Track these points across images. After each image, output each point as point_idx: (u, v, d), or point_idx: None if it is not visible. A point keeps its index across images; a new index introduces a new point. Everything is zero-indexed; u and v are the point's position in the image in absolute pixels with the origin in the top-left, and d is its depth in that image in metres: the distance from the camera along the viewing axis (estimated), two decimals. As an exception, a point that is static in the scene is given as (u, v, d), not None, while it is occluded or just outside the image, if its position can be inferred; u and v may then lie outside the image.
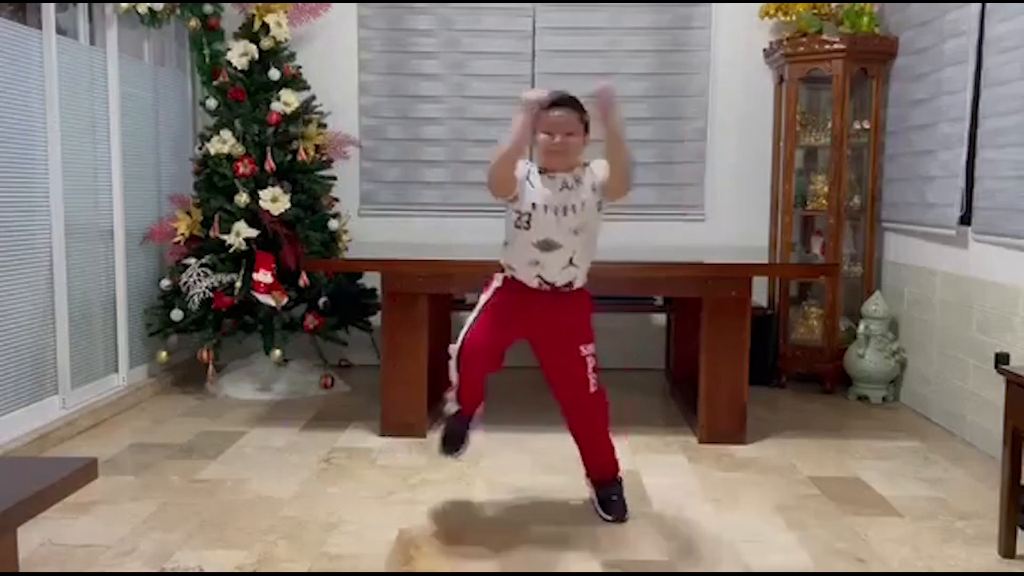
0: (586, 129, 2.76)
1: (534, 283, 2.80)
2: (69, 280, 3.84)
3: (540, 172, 2.77)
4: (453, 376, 2.88)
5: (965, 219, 3.90)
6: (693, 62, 5.22)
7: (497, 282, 2.88)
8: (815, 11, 4.80)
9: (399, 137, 5.31)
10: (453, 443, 2.91)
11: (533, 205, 2.73)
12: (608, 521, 2.92)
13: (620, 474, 3.03)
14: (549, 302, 2.82)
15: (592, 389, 2.90)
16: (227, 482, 3.27)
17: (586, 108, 2.75)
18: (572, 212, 2.74)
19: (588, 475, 3.04)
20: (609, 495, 2.97)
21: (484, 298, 2.88)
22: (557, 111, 2.71)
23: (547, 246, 2.74)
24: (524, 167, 2.77)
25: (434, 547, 2.72)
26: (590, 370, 2.89)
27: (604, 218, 2.86)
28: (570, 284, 2.82)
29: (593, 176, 2.78)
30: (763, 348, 4.75)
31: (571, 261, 2.78)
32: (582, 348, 2.88)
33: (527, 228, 2.74)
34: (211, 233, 4.45)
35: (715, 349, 3.77)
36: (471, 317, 2.86)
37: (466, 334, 2.83)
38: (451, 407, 2.94)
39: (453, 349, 2.85)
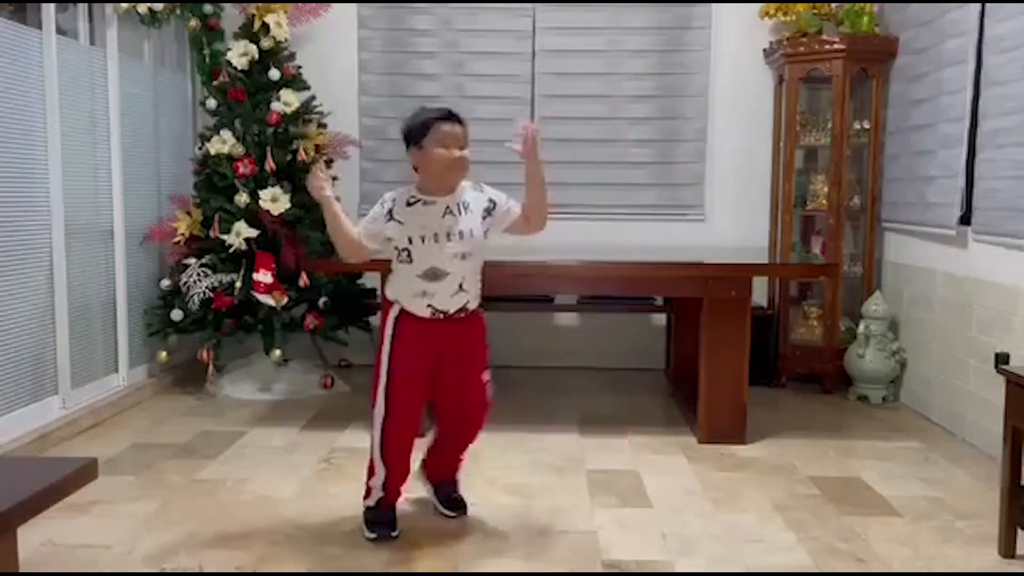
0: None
1: (426, 312, 2.66)
2: (69, 280, 3.84)
3: (412, 202, 2.63)
4: (378, 465, 2.74)
5: (965, 219, 3.90)
6: (693, 62, 5.22)
7: (389, 328, 2.69)
8: (815, 11, 4.80)
9: (399, 137, 5.30)
10: (384, 528, 2.76)
11: (409, 239, 2.61)
12: (452, 517, 2.92)
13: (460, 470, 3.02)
14: (446, 332, 2.69)
15: (486, 412, 2.86)
16: (227, 482, 3.28)
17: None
18: (458, 239, 2.62)
19: (428, 476, 2.99)
20: (451, 493, 2.97)
21: (384, 354, 2.69)
22: (448, 124, 2.59)
23: (433, 275, 2.62)
24: (381, 210, 2.65)
25: (434, 547, 2.72)
26: (488, 394, 2.84)
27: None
28: (463, 309, 2.70)
29: (487, 203, 2.69)
30: (763, 348, 4.75)
31: (460, 287, 2.65)
32: (484, 376, 2.82)
33: (408, 262, 2.63)
34: (211, 233, 4.45)
35: (715, 349, 3.77)
36: (380, 385, 2.69)
37: (385, 417, 2.69)
38: (372, 499, 2.78)
39: (375, 436, 2.72)
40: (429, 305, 2.66)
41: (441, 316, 2.68)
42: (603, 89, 5.23)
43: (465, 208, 2.66)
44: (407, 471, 2.81)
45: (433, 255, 2.62)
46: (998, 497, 2.71)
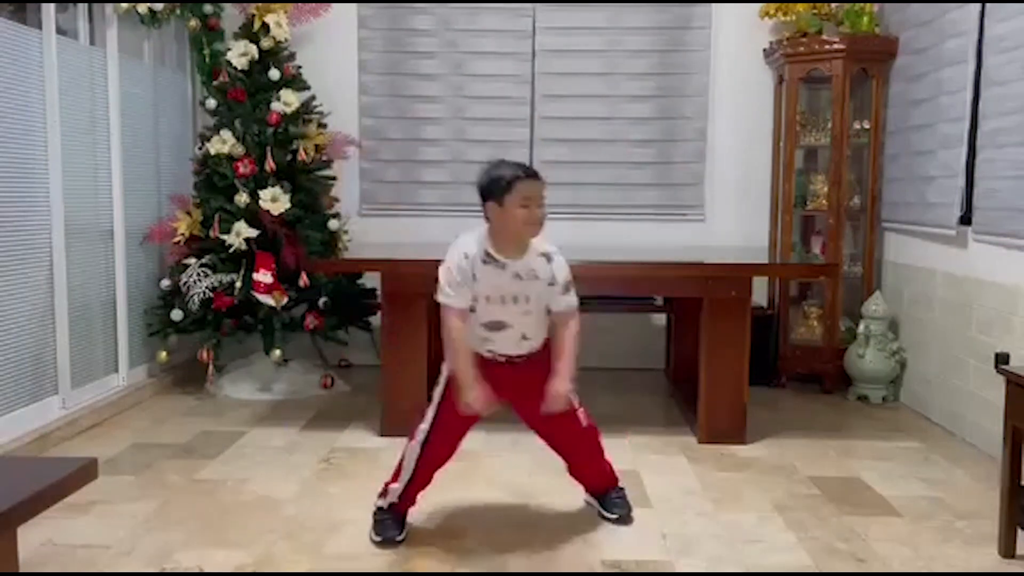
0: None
1: (488, 356, 2.69)
2: (69, 280, 3.84)
3: (486, 261, 2.59)
4: (404, 475, 2.74)
5: (965, 219, 3.90)
6: (693, 62, 5.22)
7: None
8: (815, 11, 4.80)
9: (399, 137, 5.31)
10: (392, 531, 2.75)
11: (475, 298, 2.62)
12: (612, 520, 2.91)
13: (619, 481, 3.02)
14: (511, 371, 2.72)
15: (584, 425, 2.88)
16: (227, 482, 3.27)
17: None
18: (524, 302, 2.64)
19: (588, 491, 3.03)
20: (612, 497, 2.97)
21: (443, 380, 2.71)
22: (531, 183, 2.54)
23: (496, 327, 2.65)
24: (467, 262, 2.58)
25: (434, 547, 2.72)
26: (576, 410, 2.85)
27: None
28: (528, 354, 2.72)
29: (551, 278, 2.65)
30: (763, 348, 4.75)
31: (523, 336, 2.68)
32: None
33: (472, 312, 2.64)
34: (211, 233, 4.45)
35: (715, 349, 3.77)
36: (433, 405, 2.73)
37: (430, 431, 2.71)
38: (387, 501, 2.77)
39: (412, 451, 2.73)
40: (490, 350, 2.70)
41: (503, 360, 2.71)
42: (603, 89, 5.23)
43: (532, 275, 2.64)
44: (428, 483, 2.81)
45: (496, 311, 2.64)
46: (998, 497, 2.71)
